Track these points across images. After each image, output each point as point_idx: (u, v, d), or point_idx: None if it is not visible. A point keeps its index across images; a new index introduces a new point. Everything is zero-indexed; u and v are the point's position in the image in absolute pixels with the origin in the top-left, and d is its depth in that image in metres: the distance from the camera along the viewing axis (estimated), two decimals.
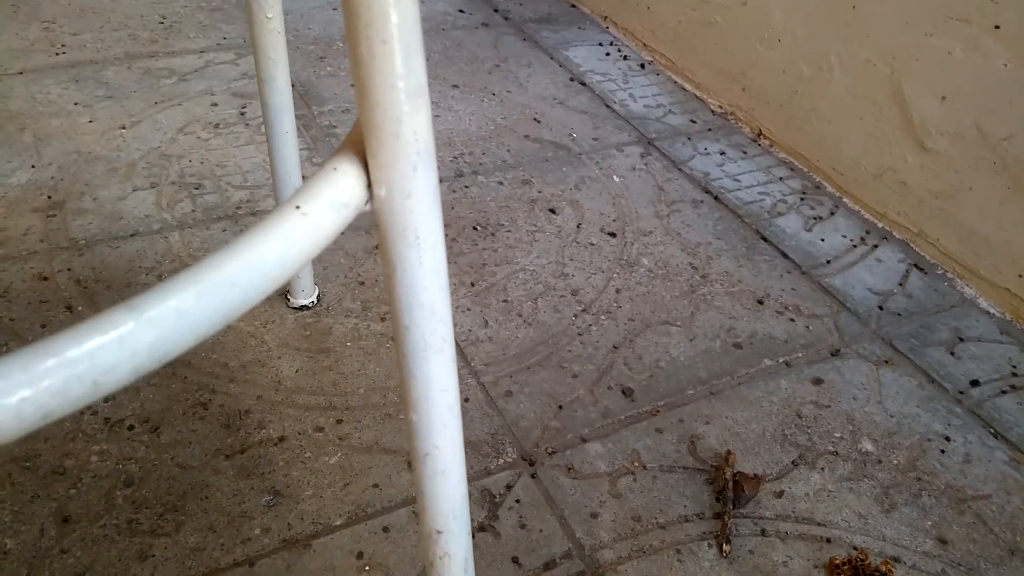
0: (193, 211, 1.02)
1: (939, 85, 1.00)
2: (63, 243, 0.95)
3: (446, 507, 0.41)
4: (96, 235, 0.97)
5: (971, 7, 0.93)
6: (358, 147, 0.32)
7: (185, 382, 0.81)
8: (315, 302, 0.91)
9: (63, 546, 0.66)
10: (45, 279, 0.91)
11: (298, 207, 0.29)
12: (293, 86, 0.78)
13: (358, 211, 0.32)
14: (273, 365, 0.84)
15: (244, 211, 1.03)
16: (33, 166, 1.07)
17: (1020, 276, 0.96)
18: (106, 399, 0.77)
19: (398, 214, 0.32)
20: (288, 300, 0.90)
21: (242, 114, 1.22)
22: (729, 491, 0.73)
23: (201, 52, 1.37)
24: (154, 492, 0.71)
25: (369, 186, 0.32)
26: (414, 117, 0.30)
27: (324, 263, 0.96)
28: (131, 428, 0.76)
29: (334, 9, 1.56)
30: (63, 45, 1.34)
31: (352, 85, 1.33)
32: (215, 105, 1.24)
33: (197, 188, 1.06)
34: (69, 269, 0.92)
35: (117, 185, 1.05)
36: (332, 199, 0.30)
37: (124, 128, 1.16)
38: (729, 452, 0.76)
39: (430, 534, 0.42)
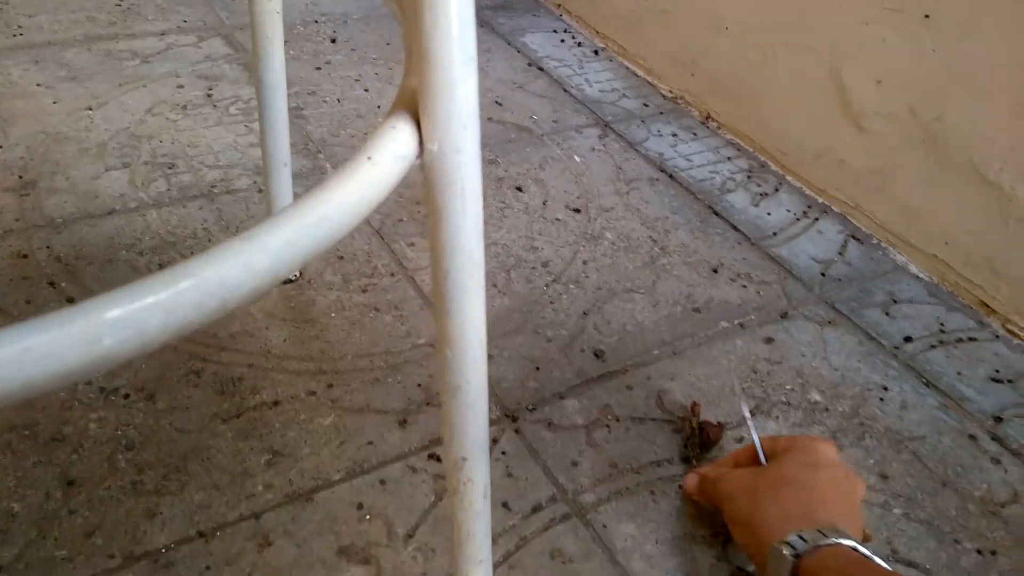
0: (168, 190, 1.04)
1: (875, 70, 1.09)
2: (39, 221, 0.96)
3: (472, 435, 0.46)
4: (72, 213, 0.98)
5: None
6: (410, 108, 0.36)
7: (176, 352, 0.84)
8: (297, 276, 0.94)
9: (70, 507, 0.69)
10: (25, 256, 0.91)
11: (369, 158, 0.34)
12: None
13: (411, 163, 0.37)
14: (261, 335, 0.87)
15: (220, 189, 1.05)
16: (0, 146, 1.07)
17: (946, 243, 1.06)
18: None
19: (448, 167, 0.37)
20: None
21: (209, 96, 1.24)
22: (695, 438, 0.80)
23: (162, 35, 1.37)
24: (155, 455, 0.74)
25: (420, 142, 0.37)
26: (466, 82, 0.35)
27: None
28: (127, 396, 0.79)
29: None
30: (19, 27, 1.32)
31: (316, 69, 1.36)
32: (181, 87, 1.24)
33: (170, 168, 1.08)
34: (48, 247, 0.93)
35: (89, 165, 1.06)
36: (395, 152, 0.35)
37: (91, 109, 1.16)
38: (695, 403, 0.83)
39: (456, 462, 0.47)
